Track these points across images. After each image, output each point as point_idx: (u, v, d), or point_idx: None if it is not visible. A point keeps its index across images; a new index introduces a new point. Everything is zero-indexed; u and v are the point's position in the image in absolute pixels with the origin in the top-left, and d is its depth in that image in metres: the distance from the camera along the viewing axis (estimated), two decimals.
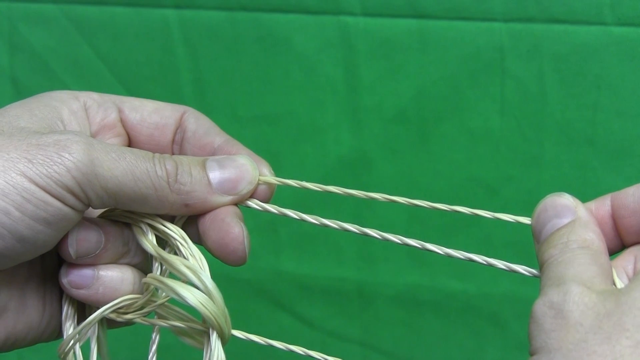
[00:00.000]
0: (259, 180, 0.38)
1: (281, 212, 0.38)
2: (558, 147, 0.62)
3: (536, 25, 0.59)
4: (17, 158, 0.31)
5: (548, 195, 0.34)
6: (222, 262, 0.36)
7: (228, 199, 0.37)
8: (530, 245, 0.57)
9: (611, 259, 0.32)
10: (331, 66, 0.65)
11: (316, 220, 0.37)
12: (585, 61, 0.59)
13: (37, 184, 0.31)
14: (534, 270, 0.34)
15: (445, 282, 0.69)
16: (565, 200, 0.33)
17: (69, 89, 0.72)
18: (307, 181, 0.69)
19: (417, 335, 0.73)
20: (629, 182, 0.62)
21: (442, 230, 0.67)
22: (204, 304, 0.33)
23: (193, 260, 0.35)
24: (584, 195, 0.65)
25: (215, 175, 0.36)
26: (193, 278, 0.33)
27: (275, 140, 0.69)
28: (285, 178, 0.39)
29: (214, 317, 0.33)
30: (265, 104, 0.68)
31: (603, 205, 0.34)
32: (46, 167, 0.31)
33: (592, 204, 0.34)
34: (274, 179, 0.38)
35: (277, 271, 0.73)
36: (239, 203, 0.38)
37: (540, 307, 0.29)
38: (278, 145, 0.69)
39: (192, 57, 0.69)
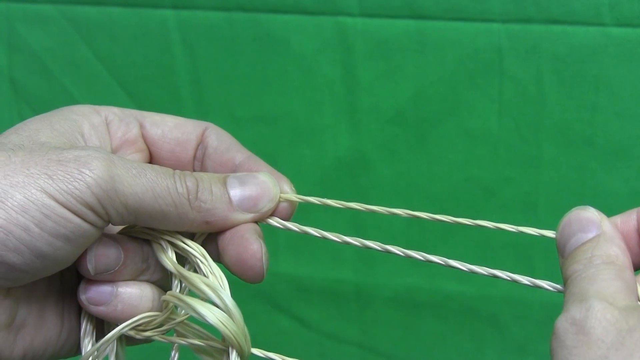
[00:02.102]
0: (280, 197, 0.38)
1: (303, 231, 0.37)
2: (556, 148, 0.62)
3: (535, 26, 0.59)
4: (38, 174, 0.31)
5: (573, 209, 0.33)
6: (240, 279, 0.36)
7: (249, 216, 0.36)
8: (529, 246, 0.57)
9: (636, 274, 0.32)
10: (329, 67, 0.65)
11: (338, 238, 0.37)
12: (584, 62, 0.59)
13: (57, 200, 0.31)
14: (558, 286, 0.33)
15: (444, 284, 0.69)
16: (590, 214, 0.33)
17: (67, 89, 0.73)
18: (305, 182, 0.69)
19: (416, 337, 0.72)
20: (627, 184, 0.62)
21: (442, 232, 0.67)
22: (223, 322, 0.33)
23: (213, 278, 0.35)
24: (583, 196, 0.65)
25: (236, 192, 0.36)
26: (213, 296, 0.33)
27: (273, 141, 0.69)
28: (306, 195, 0.38)
29: (234, 336, 0.33)
30: (263, 105, 0.68)
31: (629, 219, 0.33)
32: (66, 184, 0.31)
33: (617, 218, 0.34)
34: (295, 197, 0.38)
35: (275, 273, 0.73)
36: (260, 220, 0.37)
37: (563, 323, 0.29)
38: (276, 146, 0.69)
39: (190, 57, 0.69)
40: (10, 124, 0.78)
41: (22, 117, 0.75)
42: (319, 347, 0.76)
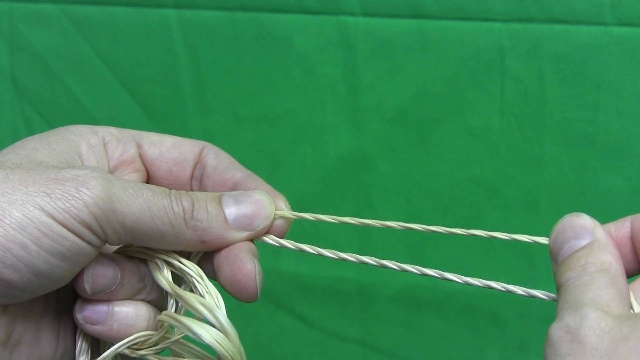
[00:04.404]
0: (275, 215, 0.38)
1: (298, 248, 0.38)
2: (558, 147, 0.62)
3: (536, 25, 0.59)
4: (36, 192, 0.31)
5: (566, 215, 0.33)
6: (234, 298, 0.36)
7: (244, 234, 0.37)
8: (531, 245, 0.57)
9: (629, 282, 0.32)
10: (331, 66, 0.65)
11: (334, 254, 0.38)
12: (585, 61, 0.59)
13: (55, 219, 0.31)
14: (552, 295, 0.34)
15: (445, 282, 0.69)
16: (584, 221, 0.33)
17: (70, 89, 0.73)
18: (307, 181, 0.69)
19: (417, 335, 0.73)
20: (629, 182, 0.62)
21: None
22: (219, 341, 0.33)
23: (209, 297, 0.35)
24: (584, 195, 0.65)
25: (231, 211, 0.36)
26: (208, 316, 0.33)
27: (275, 140, 0.69)
28: (301, 212, 0.39)
29: (230, 355, 0.33)
30: (265, 104, 0.69)
31: (622, 227, 0.33)
32: (64, 202, 0.31)
33: (611, 226, 0.34)
34: (290, 213, 0.38)
35: (277, 271, 0.73)
36: (256, 238, 0.38)
37: (557, 331, 0.29)
38: (278, 145, 0.69)
39: (192, 57, 0.69)
40: (13, 123, 0.78)
41: (24, 117, 0.75)
42: (321, 345, 0.76)
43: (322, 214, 0.39)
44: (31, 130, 0.76)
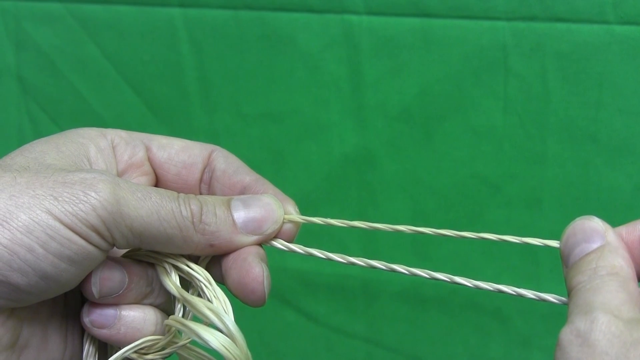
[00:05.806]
0: (284, 219, 0.38)
1: (307, 252, 0.38)
2: (561, 145, 0.62)
3: (539, 23, 0.59)
4: (43, 195, 0.31)
5: (577, 219, 0.33)
6: (241, 302, 0.36)
7: (253, 238, 0.37)
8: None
9: None
10: (335, 64, 0.65)
11: (343, 259, 0.37)
12: (588, 59, 0.59)
13: (62, 222, 0.31)
14: (563, 298, 0.33)
15: None
16: (595, 224, 0.32)
17: (75, 87, 0.73)
18: (311, 178, 0.69)
19: (422, 331, 0.73)
20: (631, 180, 0.62)
21: (447, 228, 0.67)
22: (226, 347, 0.33)
23: (217, 302, 0.35)
24: (587, 192, 0.65)
25: (240, 215, 0.36)
26: (216, 321, 0.33)
27: (280, 138, 0.69)
28: (311, 216, 0.39)
29: None
30: (270, 102, 0.69)
31: (634, 230, 0.33)
32: (72, 205, 0.31)
33: (622, 229, 0.33)
34: (299, 218, 0.38)
35: (282, 268, 0.73)
36: (264, 243, 0.38)
37: (567, 335, 0.29)
38: (282, 143, 0.70)
39: (197, 55, 0.69)
40: (19, 121, 0.79)
41: (30, 115, 0.76)
42: (326, 341, 0.76)
43: (330, 218, 0.39)
44: (37, 128, 0.76)
